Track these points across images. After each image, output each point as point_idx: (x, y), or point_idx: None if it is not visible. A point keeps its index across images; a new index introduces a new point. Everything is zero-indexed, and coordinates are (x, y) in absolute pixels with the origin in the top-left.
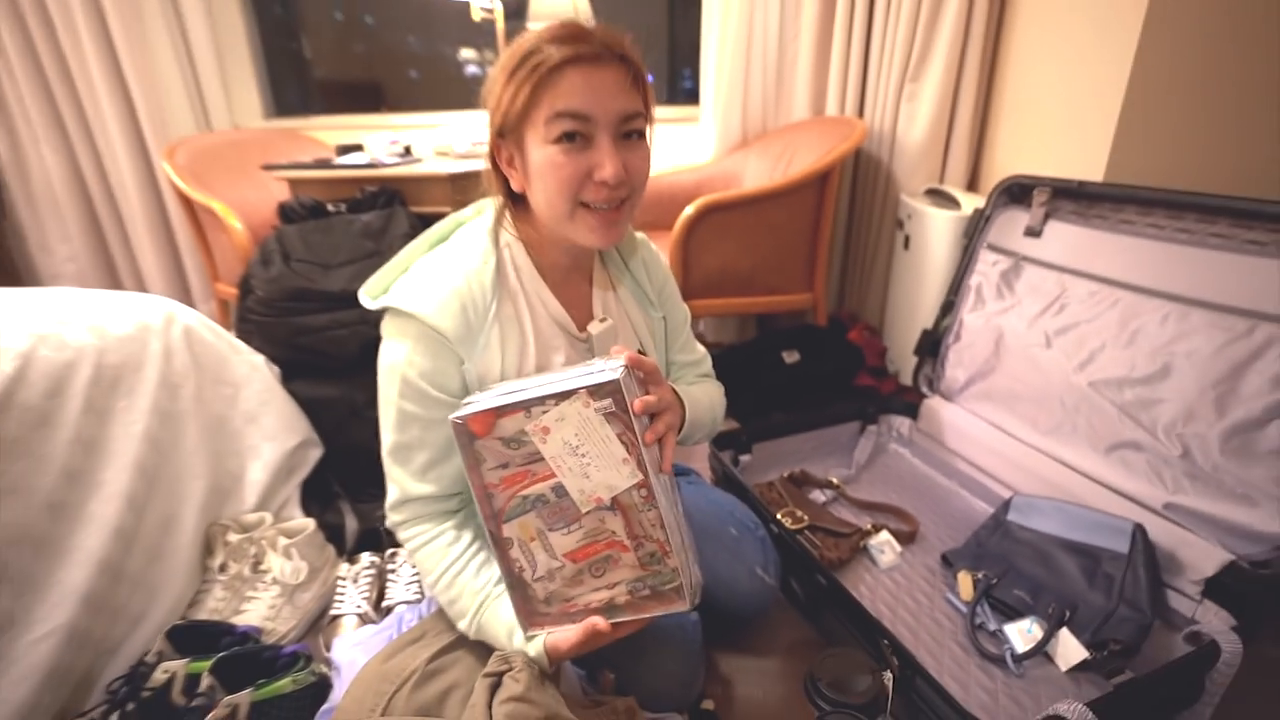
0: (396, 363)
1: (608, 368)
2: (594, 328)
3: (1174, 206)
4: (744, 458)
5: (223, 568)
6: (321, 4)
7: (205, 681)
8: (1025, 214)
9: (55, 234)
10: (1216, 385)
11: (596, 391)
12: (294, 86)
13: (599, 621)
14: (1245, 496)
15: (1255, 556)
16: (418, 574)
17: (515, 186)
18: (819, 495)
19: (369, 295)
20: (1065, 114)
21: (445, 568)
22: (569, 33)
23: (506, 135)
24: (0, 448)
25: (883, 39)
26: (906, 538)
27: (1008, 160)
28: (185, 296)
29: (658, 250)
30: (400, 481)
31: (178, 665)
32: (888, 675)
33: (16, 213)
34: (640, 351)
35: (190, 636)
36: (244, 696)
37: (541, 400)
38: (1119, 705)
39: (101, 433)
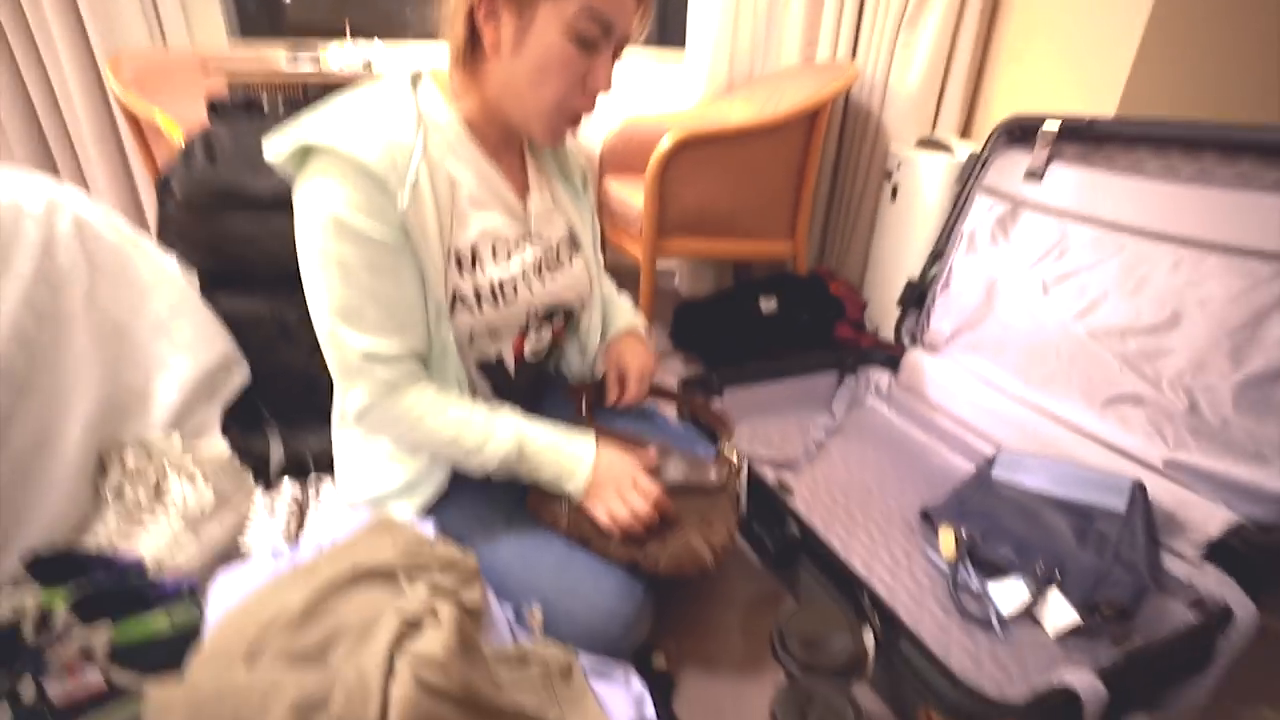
0: (323, 203)
1: None
2: (534, 205)
3: (1192, 142)
4: (715, 402)
5: (118, 493)
6: None
7: (61, 619)
8: (1026, 156)
9: None
10: (1233, 334)
11: None
12: (268, 8)
13: None
14: (1257, 454)
15: (1263, 519)
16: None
17: (487, 43)
18: None
19: (272, 148)
20: (1080, 46)
21: (452, 418)
22: None
23: None
24: None
25: None
26: None
27: (1007, 103)
28: (138, 213)
29: (577, 142)
30: (356, 346)
31: (28, 599)
32: (868, 633)
33: None
34: (572, 232)
35: (55, 567)
36: (100, 635)
37: None
38: (1128, 674)
39: None
